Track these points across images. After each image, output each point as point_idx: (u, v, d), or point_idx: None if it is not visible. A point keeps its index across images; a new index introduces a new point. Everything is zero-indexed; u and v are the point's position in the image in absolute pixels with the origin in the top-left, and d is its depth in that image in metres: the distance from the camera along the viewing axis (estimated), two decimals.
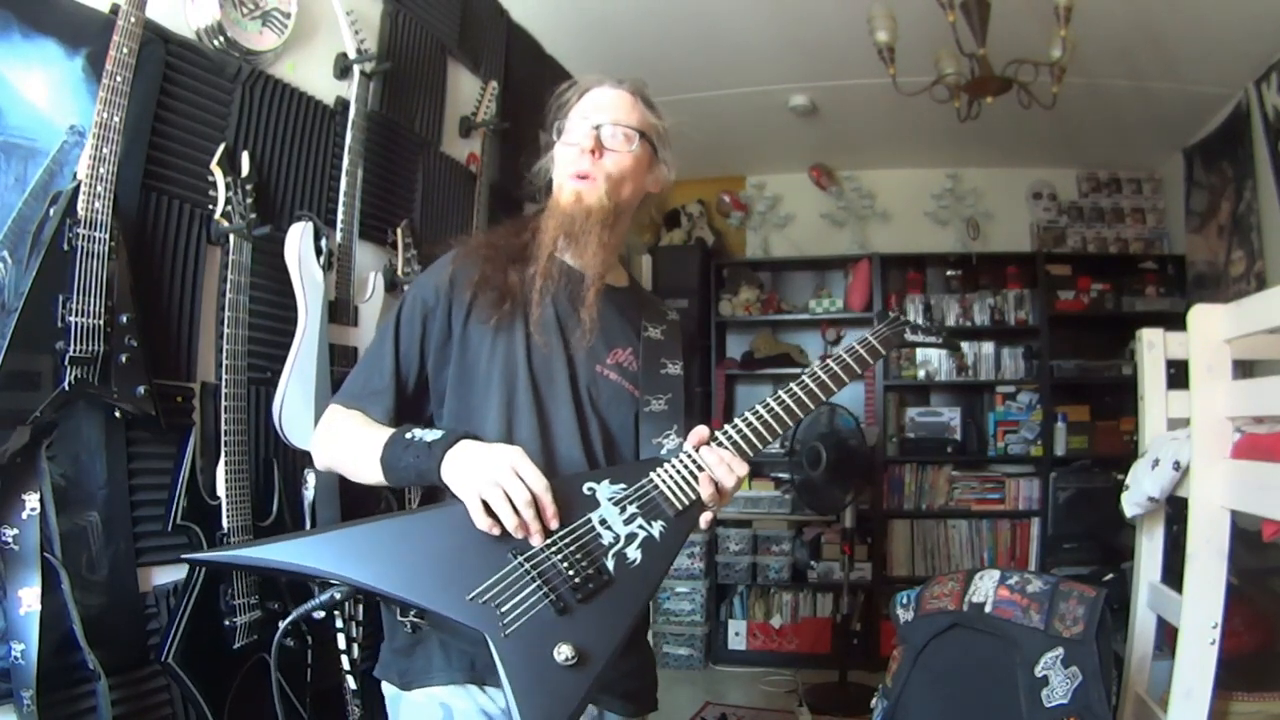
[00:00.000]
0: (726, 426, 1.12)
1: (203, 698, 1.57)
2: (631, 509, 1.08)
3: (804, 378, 1.17)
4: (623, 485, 1.09)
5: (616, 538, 1.06)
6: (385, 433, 1.13)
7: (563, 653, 0.96)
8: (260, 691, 1.70)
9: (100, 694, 1.42)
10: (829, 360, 1.20)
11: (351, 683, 1.87)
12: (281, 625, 1.06)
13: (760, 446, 1.12)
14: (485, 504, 1.01)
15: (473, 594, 0.98)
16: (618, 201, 1.21)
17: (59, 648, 1.38)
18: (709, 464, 1.08)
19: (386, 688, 1.19)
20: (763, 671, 4.06)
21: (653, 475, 1.10)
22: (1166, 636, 2.05)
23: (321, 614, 1.31)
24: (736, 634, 4.24)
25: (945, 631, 2.03)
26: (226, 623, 1.63)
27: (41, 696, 1.32)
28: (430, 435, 1.08)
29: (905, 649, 2.12)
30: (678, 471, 1.10)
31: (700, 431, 1.11)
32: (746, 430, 1.12)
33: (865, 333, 1.27)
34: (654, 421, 1.21)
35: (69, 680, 1.41)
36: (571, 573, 1.01)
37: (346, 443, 1.18)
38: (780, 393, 1.15)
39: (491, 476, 1.00)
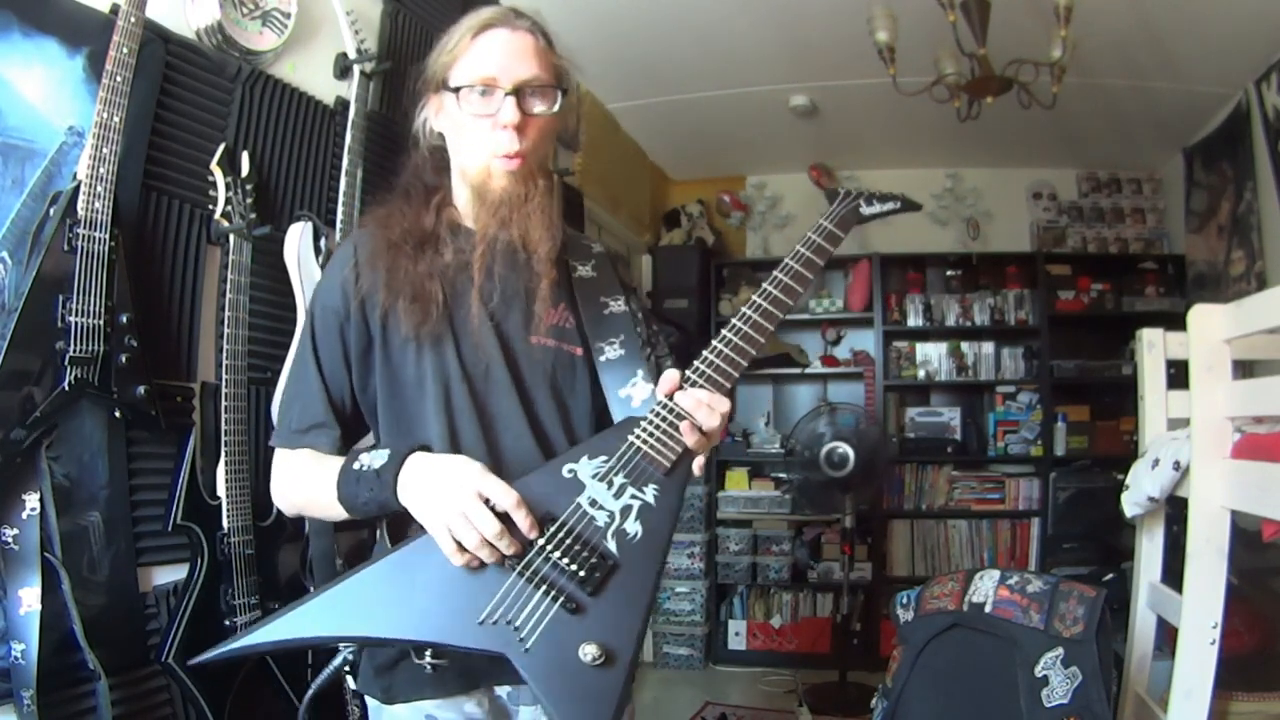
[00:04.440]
0: (696, 363, 1.02)
1: (203, 698, 1.57)
2: (619, 480, 0.99)
3: (765, 286, 1.04)
4: (603, 458, 1.00)
5: (611, 515, 0.98)
6: (335, 468, 1.03)
7: (588, 653, 0.91)
8: (260, 691, 1.70)
9: (100, 694, 1.42)
10: (788, 260, 1.06)
11: (351, 683, 1.87)
12: (304, 700, 1.06)
13: (735, 374, 1.02)
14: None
15: (482, 617, 0.93)
16: (546, 164, 1.11)
17: (59, 648, 1.38)
18: (688, 409, 0.99)
19: (369, 700, 1.15)
20: (763, 671, 4.06)
21: (630, 438, 1.00)
22: (1166, 636, 2.05)
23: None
24: (736, 634, 4.24)
25: (945, 631, 2.03)
26: (226, 623, 1.63)
27: (41, 696, 1.32)
28: (378, 460, 0.99)
29: (905, 649, 2.12)
30: (656, 426, 1.00)
31: (670, 377, 1.01)
32: (717, 360, 1.01)
33: (818, 218, 1.10)
34: (613, 371, 1.11)
35: (69, 680, 1.41)
36: (575, 567, 0.94)
37: (304, 490, 1.09)
38: (745, 309, 1.04)
39: (456, 507, 0.92)
